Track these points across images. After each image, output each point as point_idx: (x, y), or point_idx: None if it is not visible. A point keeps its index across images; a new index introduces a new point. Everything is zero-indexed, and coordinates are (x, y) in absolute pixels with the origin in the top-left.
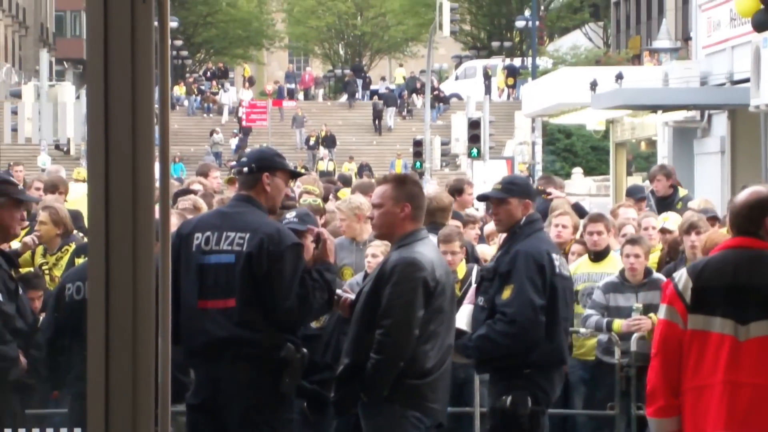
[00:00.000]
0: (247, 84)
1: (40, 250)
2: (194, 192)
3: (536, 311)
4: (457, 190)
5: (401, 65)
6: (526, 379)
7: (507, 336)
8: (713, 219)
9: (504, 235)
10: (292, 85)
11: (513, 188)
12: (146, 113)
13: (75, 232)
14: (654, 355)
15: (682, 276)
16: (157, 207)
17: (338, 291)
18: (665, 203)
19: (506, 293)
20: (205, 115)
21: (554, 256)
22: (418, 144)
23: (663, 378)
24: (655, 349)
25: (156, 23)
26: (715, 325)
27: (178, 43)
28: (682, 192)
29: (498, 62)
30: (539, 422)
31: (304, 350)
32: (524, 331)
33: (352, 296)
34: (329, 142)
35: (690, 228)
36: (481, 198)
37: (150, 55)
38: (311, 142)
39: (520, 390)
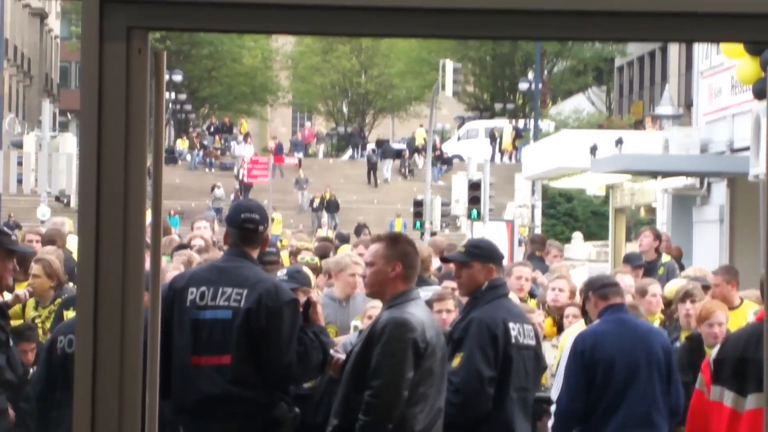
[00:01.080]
0: (249, 139)
1: (31, 302)
2: (191, 247)
3: (483, 382)
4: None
5: (421, 126)
6: None
7: (452, 405)
8: (705, 288)
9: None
10: (298, 138)
11: (476, 252)
12: (139, 165)
13: (70, 285)
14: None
15: (717, 346)
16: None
17: (330, 351)
18: (647, 268)
19: (456, 361)
20: (207, 170)
21: (511, 325)
22: (418, 204)
23: None
24: (688, 416)
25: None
26: (725, 396)
27: (182, 96)
28: (665, 258)
29: (504, 124)
30: None
31: (297, 410)
32: (468, 401)
33: (343, 356)
34: (332, 207)
35: (685, 296)
36: (443, 260)
37: (144, 106)
38: (315, 204)
39: None
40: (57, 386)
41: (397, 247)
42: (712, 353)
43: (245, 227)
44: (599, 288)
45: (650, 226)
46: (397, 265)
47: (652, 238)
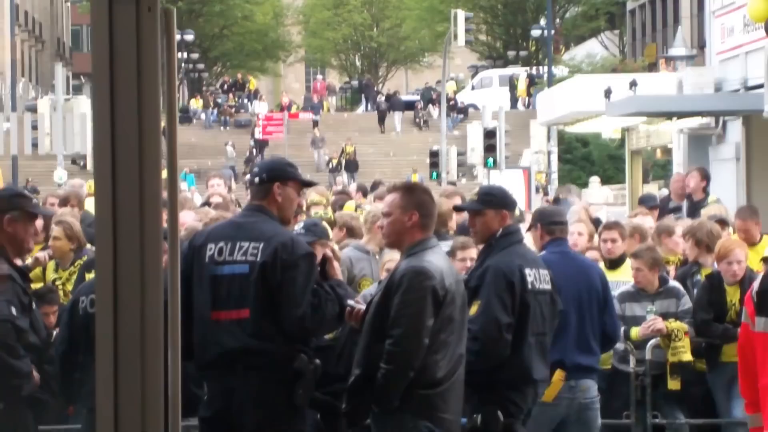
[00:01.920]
0: (262, 97)
1: (52, 265)
2: (209, 204)
3: (501, 329)
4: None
5: (452, 78)
6: (497, 394)
7: (470, 353)
8: (723, 223)
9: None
10: (312, 95)
11: (489, 199)
12: (153, 125)
13: (88, 246)
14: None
15: (759, 278)
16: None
17: (350, 302)
18: (697, 207)
19: (473, 309)
20: (222, 128)
21: (527, 271)
22: (434, 155)
23: (743, 376)
24: (738, 348)
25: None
26: None
27: (195, 56)
28: (712, 198)
29: (519, 71)
30: None
31: (317, 361)
32: (487, 348)
33: (363, 306)
34: (352, 166)
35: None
36: (457, 209)
37: (156, 65)
38: (332, 165)
39: (489, 406)
40: (80, 347)
41: (413, 196)
42: (755, 285)
43: (251, 181)
44: (548, 223)
45: (698, 167)
46: (414, 214)
47: (699, 179)
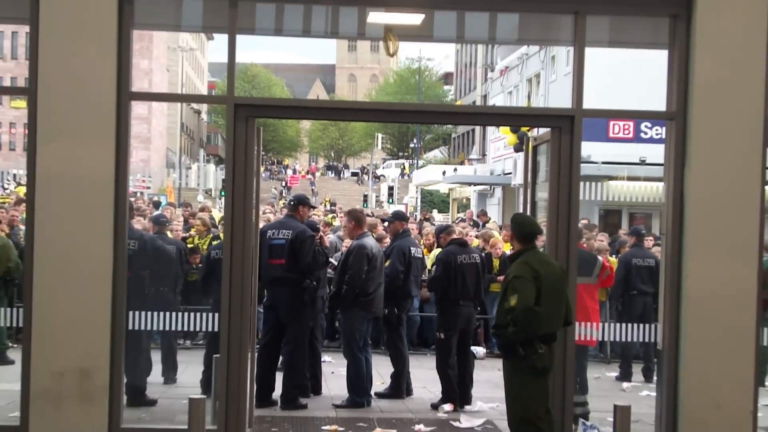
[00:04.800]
0: (288, 166)
1: (196, 238)
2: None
3: (399, 273)
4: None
5: (375, 163)
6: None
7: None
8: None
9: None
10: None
11: (395, 216)
12: (251, 179)
13: (214, 229)
14: None
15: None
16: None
17: (331, 259)
18: (482, 225)
19: (387, 263)
20: (271, 181)
21: (412, 249)
22: (365, 197)
23: None
24: None
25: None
26: None
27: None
28: (491, 222)
29: (405, 162)
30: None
31: (314, 283)
32: (392, 282)
33: (335, 262)
34: (333, 205)
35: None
36: (383, 220)
37: (255, 155)
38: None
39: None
40: (213, 275)
41: (351, 213)
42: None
43: (289, 203)
44: (445, 230)
45: (481, 209)
46: (352, 221)
47: (483, 214)
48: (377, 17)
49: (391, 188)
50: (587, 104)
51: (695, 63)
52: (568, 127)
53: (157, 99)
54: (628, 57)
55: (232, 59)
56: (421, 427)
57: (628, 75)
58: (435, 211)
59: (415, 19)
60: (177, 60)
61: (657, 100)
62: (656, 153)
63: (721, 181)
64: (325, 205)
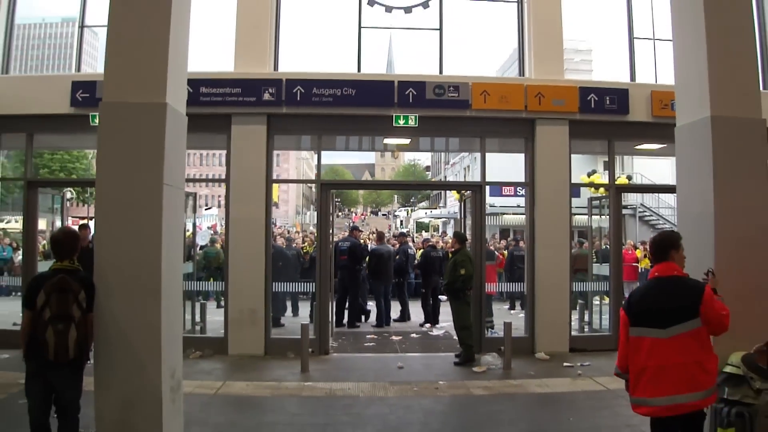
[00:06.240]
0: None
1: (307, 246)
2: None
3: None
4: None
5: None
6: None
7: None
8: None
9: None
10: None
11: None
12: (326, 223)
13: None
14: None
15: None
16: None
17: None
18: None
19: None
20: (344, 219)
21: (409, 250)
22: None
23: None
24: None
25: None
26: None
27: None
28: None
29: (408, 208)
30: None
31: (364, 265)
32: (399, 265)
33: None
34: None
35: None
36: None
37: (329, 208)
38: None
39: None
40: (313, 265)
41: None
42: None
43: (350, 228)
44: (424, 241)
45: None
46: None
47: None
48: (389, 140)
49: (401, 222)
50: (488, 179)
51: (536, 159)
52: (479, 189)
53: (284, 182)
54: (509, 156)
55: (319, 163)
56: (413, 335)
57: (510, 163)
58: (423, 231)
59: (406, 140)
60: (300, 163)
61: (521, 175)
62: (522, 201)
63: (546, 213)
64: (371, 230)
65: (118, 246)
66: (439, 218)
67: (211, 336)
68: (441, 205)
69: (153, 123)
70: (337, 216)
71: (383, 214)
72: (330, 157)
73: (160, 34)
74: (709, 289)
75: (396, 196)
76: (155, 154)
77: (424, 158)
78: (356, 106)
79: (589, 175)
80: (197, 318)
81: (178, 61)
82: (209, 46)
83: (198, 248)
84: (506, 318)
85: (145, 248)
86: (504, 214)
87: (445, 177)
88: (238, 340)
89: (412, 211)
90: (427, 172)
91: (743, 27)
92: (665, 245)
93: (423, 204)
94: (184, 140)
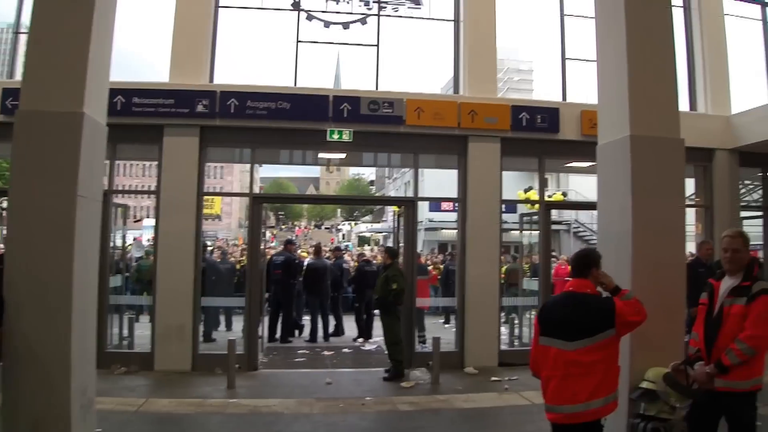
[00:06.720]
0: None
1: (243, 260)
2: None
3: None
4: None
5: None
6: None
7: None
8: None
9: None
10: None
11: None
12: (257, 238)
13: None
14: None
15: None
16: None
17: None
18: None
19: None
20: (288, 232)
21: (344, 265)
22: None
23: None
24: None
25: None
26: None
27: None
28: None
29: (351, 222)
30: None
31: (299, 280)
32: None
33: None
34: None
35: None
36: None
37: (260, 222)
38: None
39: None
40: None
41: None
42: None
43: (284, 243)
44: (359, 255)
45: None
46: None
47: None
48: (324, 155)
49: (344, 235)
50: (427, 194)
51: (469, 175)
52: (411, 205)
53: (215, 195)
54: (446, 172)
55: (252, 176)
56: (345, 349)
57: (447, 179)
58: (366, 245)
59: (342, 155)
60: (245, 176)
61: (454, 191)
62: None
63: (478, 228)
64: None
65: (28, 260)
66: (380, 232)
67: (138, 351)
68: (384, 219)
69: (68, 132)
70: (280, 229)
71: (326, 228)
72: (273, 171)
73: (80, 41)
74: (618, 302)
75: (339, 210)
76: (70, 164)
77: (368, 173)
78: (291, 119)
79: (525, 191)
80: (125, 332)
81: (99, 70)
82: (145, 56)
83: (134, 261)
84: (440, 332)
85: (56, 262)
86: (444, 228)
87: (386, 192)
88: (164, 356)
89: (355, 224)
90: (372, 187)
91: (664, 49)
92: (587, 262)
93: (367, 218)
94: (103, 151)
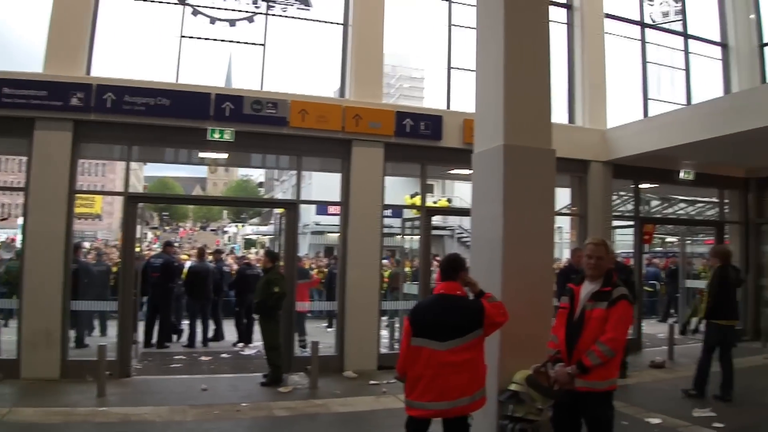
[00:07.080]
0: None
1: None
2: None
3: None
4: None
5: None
6: None
7: None
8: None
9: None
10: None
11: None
12: (132, 239)
13: None
14: None
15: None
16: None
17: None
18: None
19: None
20: (172, 234)
21: (225, 268)
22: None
23: None
24: None
25: None
26: None
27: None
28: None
29: (238, 224)
30: None
31: (179, 283)
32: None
33: None
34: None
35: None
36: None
37: (135, 220)
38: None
39: None
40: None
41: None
42: None
43: (164, 244)
44: (240, 258)
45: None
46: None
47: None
48: (205, 154)
49: (230, 237)
50: (314, 197)
51: (352, 179)
52: (293, 208)
53: (88, 193)
54: (332, 176)
55: (127, 174)
56: (224, 354)
57: (334, 182)
58: (252, 248)
59: (224, 155)
60: (120, 173)
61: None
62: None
63: (359, 232)
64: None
65: None
66: (266, 235)
67: (3, 358)
68: (272, 221)
69: None
70: (164, 230)
71: (212, 230)
72: (159, 169)
73: None
74: (486, 303)
75: (225, 212)
76: None
77: (257, 174)
78: (171, 117)
79: (412, 196)
80: None
81: None
82: (22, 44)
83: (2, 262)
84: (322, 336)
85: None
86: (330, 232)
87: (274, 194)
88: (31, 363)
89: (242, 227)
90: (260, 189)
91: (539, 63)
92: (456, 266)
93: (255, 220)
94: None
